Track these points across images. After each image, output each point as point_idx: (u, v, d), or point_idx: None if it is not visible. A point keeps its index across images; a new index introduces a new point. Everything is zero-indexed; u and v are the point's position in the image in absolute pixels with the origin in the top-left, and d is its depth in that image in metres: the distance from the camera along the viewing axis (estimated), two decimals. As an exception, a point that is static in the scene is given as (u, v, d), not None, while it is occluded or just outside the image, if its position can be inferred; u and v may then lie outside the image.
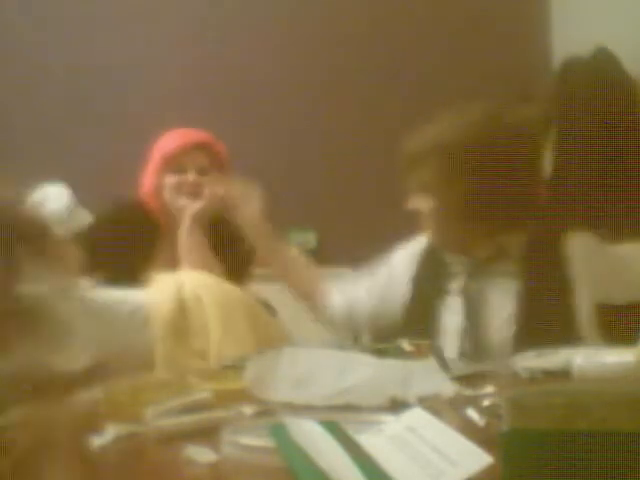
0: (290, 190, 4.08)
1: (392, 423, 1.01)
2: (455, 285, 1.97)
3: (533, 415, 0.74)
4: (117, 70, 4.00)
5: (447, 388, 1.36)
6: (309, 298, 2.19)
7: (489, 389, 1.36)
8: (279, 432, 0.98)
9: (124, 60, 4.01)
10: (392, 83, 4.17)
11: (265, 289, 2.43)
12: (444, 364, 1.48)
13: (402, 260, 2.12)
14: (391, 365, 1.41)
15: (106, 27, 4.04)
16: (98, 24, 4.05)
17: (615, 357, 1.42)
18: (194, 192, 2.47)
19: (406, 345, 1.59)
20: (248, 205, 2.24)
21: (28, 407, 1.42)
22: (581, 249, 1.91)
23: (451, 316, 1.93)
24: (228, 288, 2.05)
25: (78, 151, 3.86)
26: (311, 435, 0.96)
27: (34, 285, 1.68)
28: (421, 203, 1.98)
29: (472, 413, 1.16)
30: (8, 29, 4.00)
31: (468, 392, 1.36)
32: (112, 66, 4.00)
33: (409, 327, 1.97)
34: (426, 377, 1.38)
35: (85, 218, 3.27)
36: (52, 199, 2.57)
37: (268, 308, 2.32)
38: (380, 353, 1.52)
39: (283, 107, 4.12)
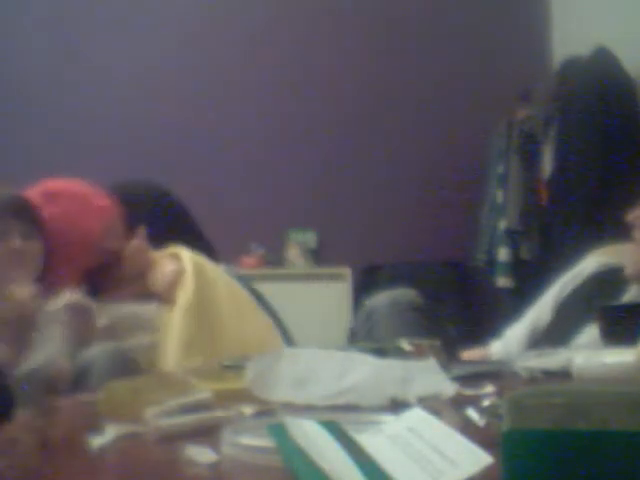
0: (290, 190, 4.08)
1: (392, 423, 1.01)
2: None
3: (533, 415, 0.74)
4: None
5: (447, 388, 1.36)
6: None
7: (489, 389, 1.36)
8: (279, 432, 0.98)
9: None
10: (392, 84, 4.17)
11: (267, 288, 2.43)
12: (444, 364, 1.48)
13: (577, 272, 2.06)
14: (391, 365, 1.41)
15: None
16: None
17: (615, 357, 1.42)
18: None
19: (406, 345, 1.58)
20: None
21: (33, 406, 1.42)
22: None
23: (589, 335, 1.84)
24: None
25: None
26: (311, 435, 0.96)
27: None
28: None
29: (472, 413, 1.16)
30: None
31: (468, 392, 1.36)
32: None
33: (552, 333, 1.93)
34: (426, 377, 1.37)
35: None
36: None
37: (268, 307, 2.33)
38: (380, 353, 1.52)
39: (283, 106, 4.12)
